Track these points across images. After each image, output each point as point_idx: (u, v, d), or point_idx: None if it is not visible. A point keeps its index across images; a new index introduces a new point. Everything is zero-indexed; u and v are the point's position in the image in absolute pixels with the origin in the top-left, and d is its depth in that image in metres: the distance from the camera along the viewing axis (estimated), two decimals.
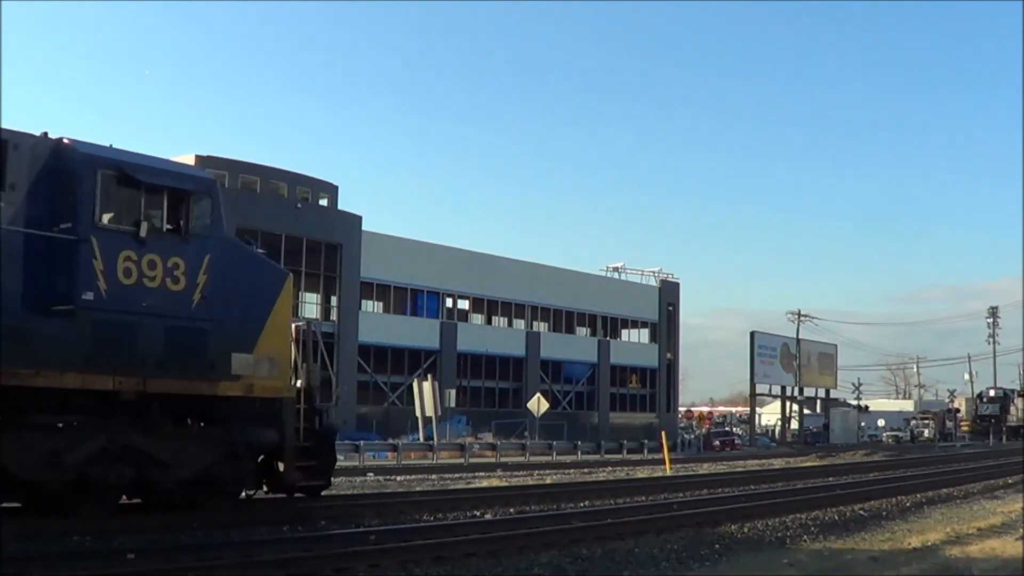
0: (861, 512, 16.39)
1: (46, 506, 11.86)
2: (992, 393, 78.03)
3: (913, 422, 78.06)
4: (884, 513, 16.29)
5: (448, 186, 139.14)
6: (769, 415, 77.72)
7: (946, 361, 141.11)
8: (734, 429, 66.52)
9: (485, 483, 21.63)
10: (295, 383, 14.17)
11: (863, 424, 72.14)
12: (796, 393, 64.40)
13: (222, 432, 13.15)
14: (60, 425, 11.77)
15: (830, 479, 23.34)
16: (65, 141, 11.99)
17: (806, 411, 66.55)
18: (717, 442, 52.32)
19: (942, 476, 25.64)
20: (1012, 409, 75.34)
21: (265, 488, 14.16)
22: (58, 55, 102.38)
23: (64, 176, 11.73)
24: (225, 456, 13.13)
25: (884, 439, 69.48)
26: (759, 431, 64.84)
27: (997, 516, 15.85)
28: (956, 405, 78.83)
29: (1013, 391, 79.35)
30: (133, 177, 12.02)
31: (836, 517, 15.46)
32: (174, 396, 12.51)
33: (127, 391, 11.97)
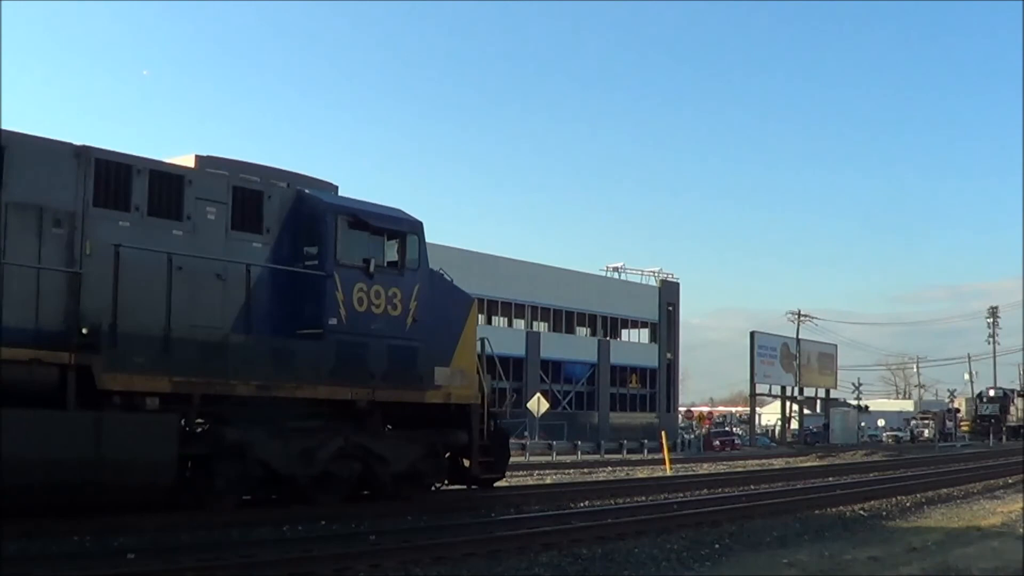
0: (861, 512, 16.40)
1: (294, 498, 14.13)
2: (992, 393, 78.05)
3: (913, 422, 78.09)
4: (884, 513, 16.29)
5: (447, 186, 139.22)
6: (769, 415, 77.75)
7: (946, 361, 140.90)
8: (734, 429, 66.53)
9: None
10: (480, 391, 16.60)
11: (863, 424, 72.15)
12: (796, 393, 64.43)
13: (425, 434, 15.65)
14: (310, 429, 14.18)
15: (830, 479, 23.36)
16: (305, 191, 14.73)
17: (806, 411, 66.58)
18: (717, 442, 52.35)
19: (942, 476, 25.65)
20: (1012, 409, 75.36)
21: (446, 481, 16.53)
22: (58, 55, 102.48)
23: (309, 221, 14.37)
24: (427, 454, 15.66)
25: (884, 439, 69.50)
26: (759, 431, 64.86)
27: (997, 516, 15.85)
28: (956, 405, 78.83)
29: (1013, 391, 79.38)
30: (363, 222, 14.62)
31: (836, 517, 15.46)
32: (392, 403, 15.04)
33: (360, 400, 14.51)
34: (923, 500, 18.79)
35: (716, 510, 15.66)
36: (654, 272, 68.85)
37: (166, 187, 13.19)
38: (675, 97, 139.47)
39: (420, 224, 15.57)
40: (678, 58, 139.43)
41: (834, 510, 16.57)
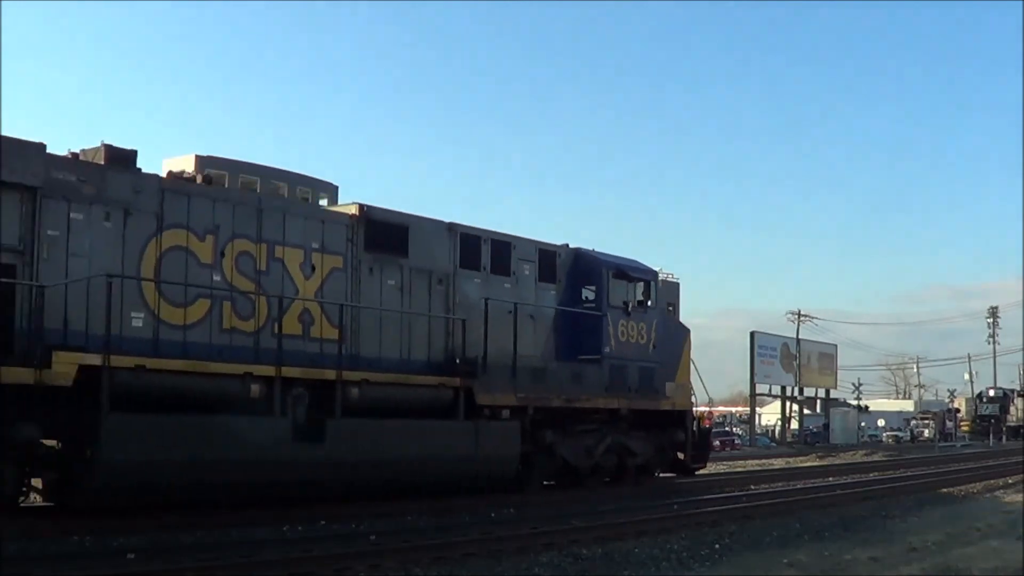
0: (861, 512, 16.40)
1: (574, 483, 18.45)
2: (992, 393, 77.98)
3: (913, 422, 78.03)
4: (884, 513, 16.29)
5: (447, 186, 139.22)
6: (769, 415, 77.69)
7: (946, 361, 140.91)
8: (734, 429, 66.44)
9: None
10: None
11: (863, 424, 72.04)
12: (796, 393, 64.35)
13: (657, 434, 20.18)
14: (589, 431, 18.63)
15: (830, 479, 23.35)
16: (582, 250, 19.23)
17: (806, 411, 66.50)
18: (717, 442, 52.24)
19: (942, 476, 25.64)
20: (1012, 409, 75.32)
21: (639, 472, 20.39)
22: (58, 55, 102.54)
23: (587, 273, 19.06)
24: (657, 449, 20.29)
25: (884, 439, 69.43)
26: (759, 431, 64.79)
27: (997, 516, 15.85)
28: (956, 405, 78.76)
29: (1013, 391, 79.33)
30: (624, 272, 19.41)
31: (836, 517, 15.46)
32: (639, 411, 19.48)
33: (623, 408, 19.06)
34: (923, 500, 18.79)
35: (716, 510, 15.66)
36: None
37: (501, 251, 17.66)
38: (677, 95, 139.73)
39: (656, 273, 20.71)
40: (683, 54, 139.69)
41: (834, 510, 16.57)
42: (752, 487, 21.45)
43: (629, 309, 19.24)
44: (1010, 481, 24.06)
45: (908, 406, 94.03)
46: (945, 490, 21.23)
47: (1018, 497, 18.68)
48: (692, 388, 21.50)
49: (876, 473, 27.79)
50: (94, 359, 11.79)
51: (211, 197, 14.06)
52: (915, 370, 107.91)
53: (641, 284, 19.85)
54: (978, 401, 78.68)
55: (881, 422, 79.40)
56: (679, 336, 21.34)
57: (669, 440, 20.55)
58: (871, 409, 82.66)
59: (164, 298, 13.19)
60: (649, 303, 19.91)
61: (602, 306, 18.75)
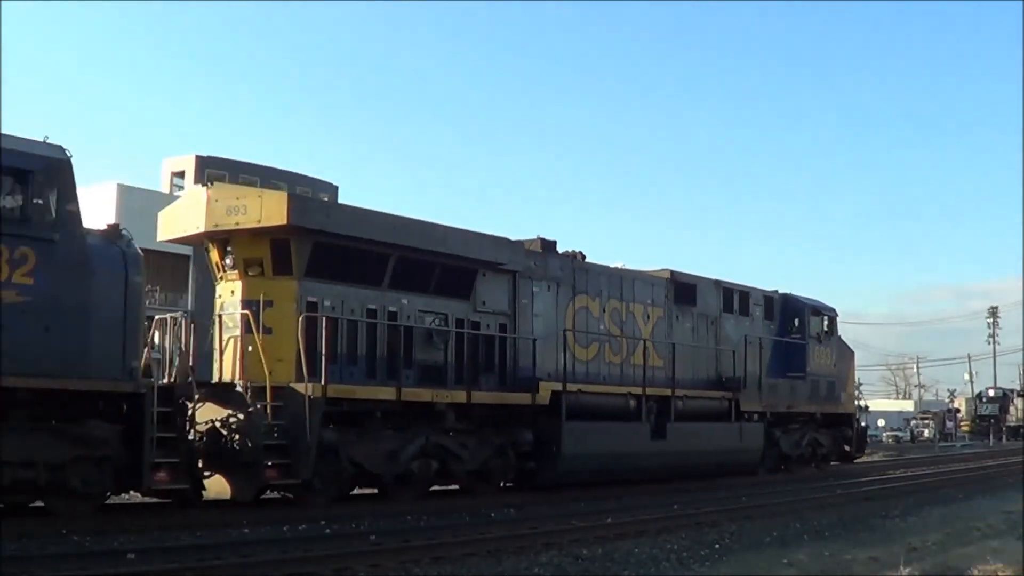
0: (861, 512, 16.40)
1: (786, 469, 24.87)
2: (992, 393, 77.95)
3: (913, 422, 78.01)
4: (884, 513, 16.29)
5: (446, 185, 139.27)
6: None
7: (946, 361, 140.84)
8: None
9: None
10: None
11: (864, 424, 71.89)
12: None
13: (833, 431, 26.82)
14: (796, 429, 25.43)
15: (830, 479, 23.35)
16: (791, 295, 25.95)
17: None
18: None
19: (942, 476, 25.65)
20: (1012, 409, 75.29)
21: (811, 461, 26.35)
22: (57, 54, 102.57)
23: (793, 312, 25.56)
24: (834, 440, 26.78)
25: (884, 439, 69.43)
26: None
27: (997, 516, 15.85)
28: (956, 405, 78.69)
29: (1013, 391, 79.30)
30: (818, 312, 26.24)
31: (836, 517, 15.46)
32: (825, 414, 26.21)
33: (817, 412, 25.76)
34: (923, 500, 18.79)
35: (716, 510, 15.66)
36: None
37: (744, 299, 23.92)
38: (678, 94, 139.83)
39: (835, 309, 27.32)
40: (690, 54, 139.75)
41: (834, 510, 16.57)
42: (752, 487, 21.37)
43: (820, 338, 26.04)
44: (1010, 481, 24.06)
45: (908, 406, 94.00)
46: (945, 490, 21.23)
47: (1018, 497, 18.67)
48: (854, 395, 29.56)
49: (876, 473, 27.79)
50: (558, 386, 17.80)
51: (598, 272, 20.12)
52: (915, 370, 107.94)
53: (826, 318, 26.60)
54: (978, 401, 78.65)
55: (881, 422, 79.37)
56: (848, 356, 28.10)
57: (841, 436, 27.20)
58: (871, 409, 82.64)
59: (577, 343, 19.06)
60: (832, 333, 26.91)
61: (805, 336, 25.51)
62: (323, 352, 14.26)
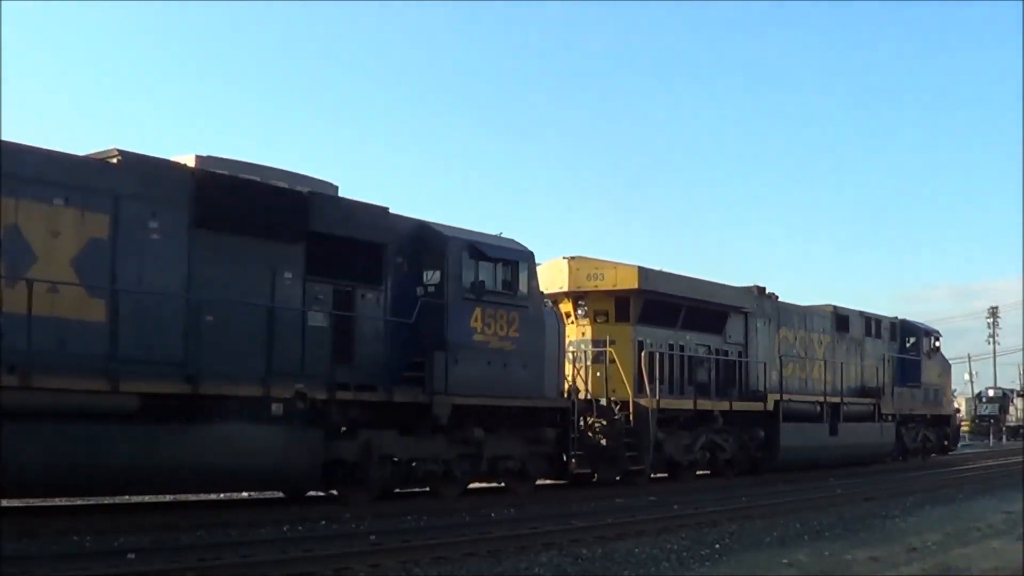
0: (861, 512, 16.40)
1: (904, 459, 30.76)
2: (992, 393, 77.94)
3: None
4: (884, 513, 16.29)
5: (447, 184, 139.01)
6: None
7: None
8: None
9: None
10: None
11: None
12: None
13: (936, 428, 32.35)
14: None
15: (830, 479, 23.34)
16: (907, 319, 31.67)
17: None
18: None
19: (942, 476, 25.66)
20: (1012, 409, 75.29)
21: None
22: (57, 54, 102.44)
23: (909, 333, 31.08)
24: (937, 436, 32.51)
25: None
26: None
27: (997, 516, 15.85)
28: (956, 405, 78.64)
29: (1013, 391, 79.29)
30: (928, 333, 31.87)
31: (836, 517, 15.46)
32: (933, 415, 32.24)
33: (928, 413, 31.59)
34: (923, 500, 18.78)
35: (716, 510, 15.66)
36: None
37: (878, 324, 29.98)
38: (678, 93, 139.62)
39: (940, 332, 33.92)
40: (687, 53, 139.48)
41: (834, 510, 16.57)
42: (751, 486, 21.39)
43: (929, 354, 31.78)
44: (1010, 481, 24.05)
45: None
46: (945, 490, 21.23)
47: (1018, 497, 18.66)
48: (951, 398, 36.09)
49: (876, 473, 27.77)
50: (777, 396, 24.08)
51: (790, 309, 26.19)
52: None
53: (933, 338, 32.50)
54: (978, 401, 78.66)
55: None
56: (947, 368, 34.44)
57: (943, 431, 32.91)
58: None
59: (784, 365, 24.95)
60: (935, 350, 32.66)
61: (919, 353, 31.24)
62: (655, 377, 20.46)
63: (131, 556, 9.92)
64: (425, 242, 16.26)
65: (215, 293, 13.41)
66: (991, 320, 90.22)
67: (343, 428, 14.69)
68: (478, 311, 16.43)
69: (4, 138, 11.90)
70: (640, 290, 20.83)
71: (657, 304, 21.42)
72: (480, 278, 16.43)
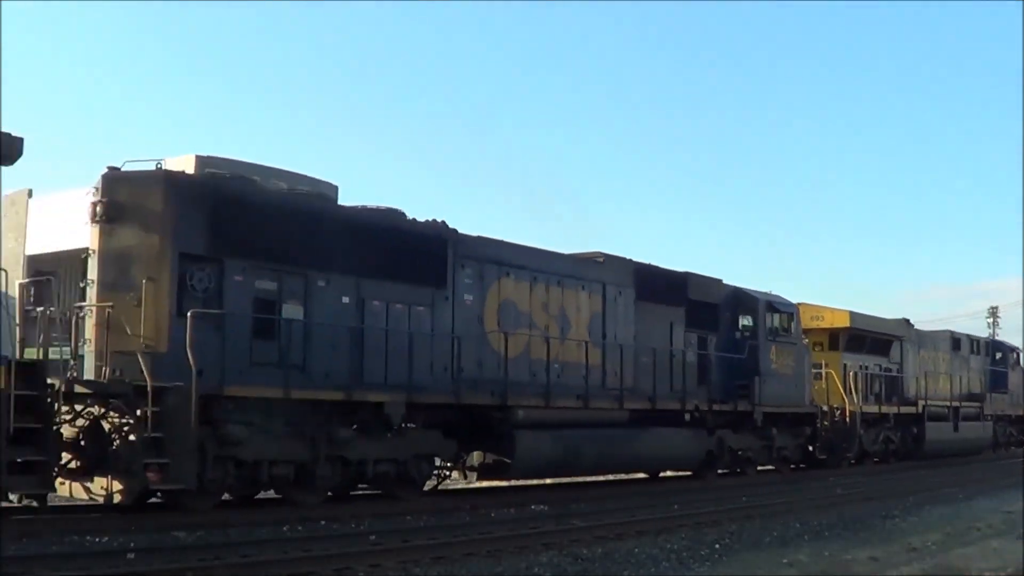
0: (861, 512, 16.39)
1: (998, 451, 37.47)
2: None
3: None
4: (884, 513, 16.29)
5: (447, 183, 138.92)
6: None
7: None
8: None
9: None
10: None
11: None
12: None
13: (1017, 425, 38.77)
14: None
15: (830, 479, 23.34)
16: (1001, 340, 44.70)
17: None
18: None
19: (942, 476, 25.64)
20: None
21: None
22: (56, 54, 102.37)
23: (999, 350, 39.10)
24: (1017, 431, 38.86)
25: None
26: None
27: (997, 516, 15.85)
28: None
29: None
30: (1014, 349, 40.56)
31: (836, 517, 15.46)
32: (1015, 415, 39.01)
33: (1014, 413, 38.68)
34: (923, 500, 18.78)
35: (716, 510, 15.66)
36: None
37: (978, 343, 37.08)
38: (677, 93, 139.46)
39: (1020, 348, 40.32)
40: (683, 54, 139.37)
41: (834, 510, 16.57)
42: (752, 486, 21.39)
43: (1012, 367, 38.45)
44: (1010, 481, 24.04)
45: None
46: (945, 490, 21.22)
47: (1018, 497, 18.66)
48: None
49: (876, 473, 27.76)
50: (923, 402, 30.74)
51: (924, 335, 33.50)
52: None
53: (1018, 353, 39.59)
54: None
55: None
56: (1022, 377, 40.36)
57: (1020, 428, 39.11)
58: None
59: (926, 378, 31.79)
60: (1017, 363, 39.37)
61: (1006, 366, 37.96)
62: (858, 389, 27.52)
63: (131, 556, 9.92)
64: (740, 300, 23.86)
65: (645, 342, 20.52)
66: (991, 320, 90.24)
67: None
68: (774, 348, 23.97)
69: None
70: (848, 327, 28.77)
71: (855, 337, 29.22)
72: (775, 325, 24.09)
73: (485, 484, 18.27)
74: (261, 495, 15.11)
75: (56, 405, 12.04)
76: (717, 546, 12.02)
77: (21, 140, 11.37)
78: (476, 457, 17.13)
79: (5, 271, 11.90)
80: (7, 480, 11.36)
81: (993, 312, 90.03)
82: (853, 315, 28.85)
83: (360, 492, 16.13)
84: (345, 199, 15.97)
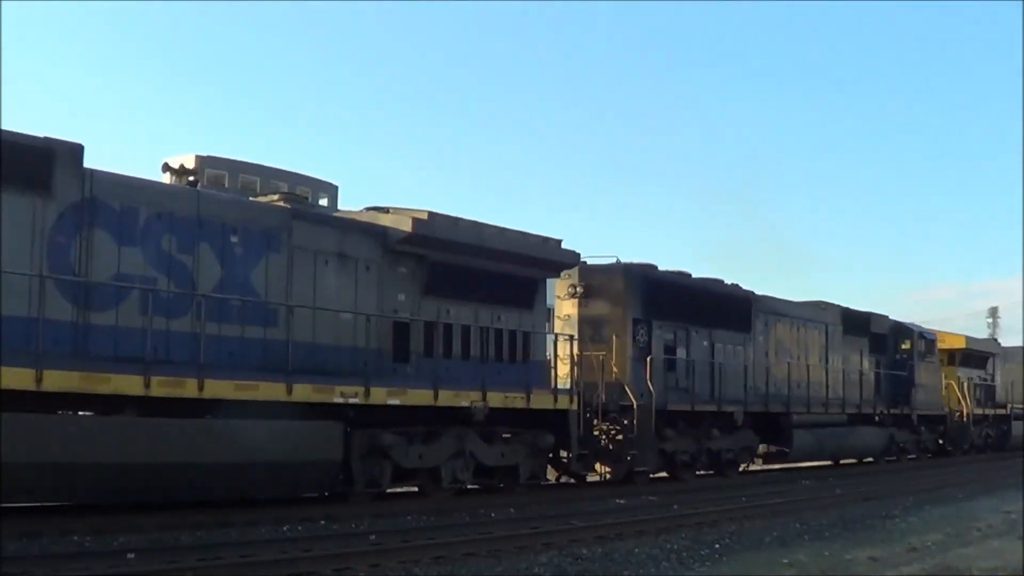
0: (861, 512, 16.40)
1: None
2: None
3: None
4: (884, 513, 16.29)
5: (448, 184, 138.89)
6: None
7: None
8: None
9: None
10: None
11: None
12: None
13: None
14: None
15: (830, 479, 23.35)
16: None
17: None
18: None
19: (942, 476, 25.65)
20: None
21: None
22: (56, 54, 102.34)
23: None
24: None
25: None
26: None
27: (997, 516, 15.85)
28: None
29: None
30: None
31: (836, 517, 15.46)
32: None
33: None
34: (923, 500, 18.78)
35: (716, 510, 15.66)
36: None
37: (1014, 355, 40.41)
38: (677, 93, 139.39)
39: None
40: (682, 55, 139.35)
41: (834, 510, 16.57)
42: (752, 487, 21.40)
43: None
44: (1010, 481, 24.04)
45: None
46: (945, 490, 21.22)
47: (1018, 497, 18.66)
48: None
49: (876, 473, 27.77)
50: (1010, 405, 38.84)
51: (1005, 350, 40.04)
52: None
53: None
54: None
55: None
56: None
57: None
58: None
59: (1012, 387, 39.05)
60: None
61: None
62: (972, 396, 34.75)
63: (131, 556, 9.91)
64: (900, 331, 31.56)
65: (848, 366, 28.24)
66: (991, 320, 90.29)
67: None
68: (922, 366, 31.60)
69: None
70: (963, 348, 36.08)
71: (966, 355, 36.08)
72: (922, 349, 31.68)
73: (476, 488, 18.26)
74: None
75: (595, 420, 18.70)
76: (717, 546, 12.01)
77: (576, 255, 18.77)
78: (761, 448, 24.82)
79: None
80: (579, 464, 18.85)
81: (993, 312, 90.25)
82: (968, 339, 37.67)
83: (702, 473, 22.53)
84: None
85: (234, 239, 13.43)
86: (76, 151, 12.14)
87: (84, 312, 11.98)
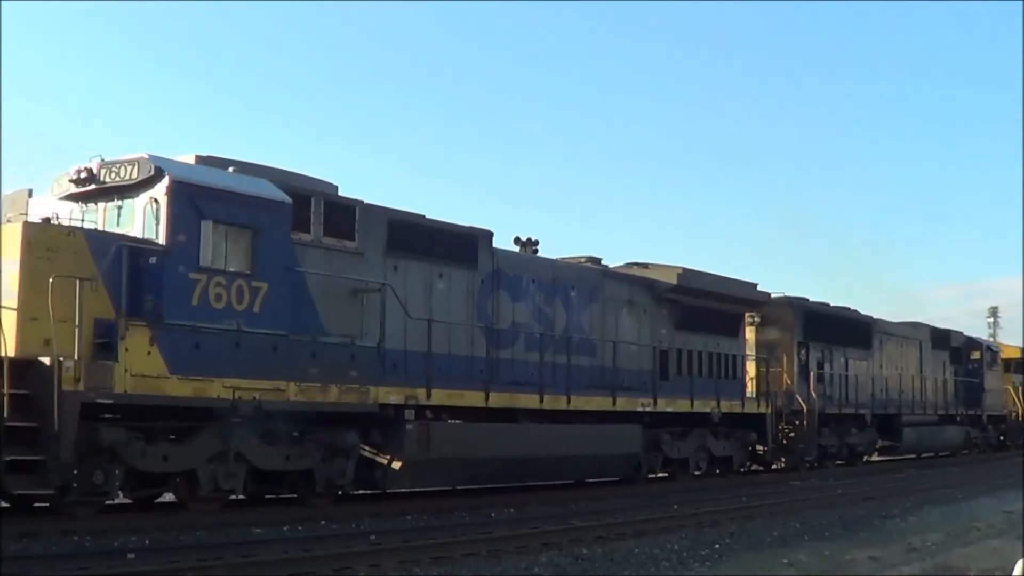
0: (861, 512, 16.40)
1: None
2: None
3: None
4: (884, 513, 16.29)
5: (449, 183, 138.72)
6: None
7: None
8: None
9: None
10: None
11: None
12: None
13: None
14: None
15: (830, 479, 23.36)
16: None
17: None
18: None
19: (942, 476, 25.66)
20: None
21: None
22: (56, 54, 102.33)
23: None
24: None
25: None
26: None
27: (997, 516, 15.85)
28: None
29: None
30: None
31: (836, 517, 15.46)
32: None
33: None
34: (923, 500, 18.79)
35: (716, 510, 15.66)
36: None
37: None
38: (676, 94, 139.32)
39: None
40: (681, 54, 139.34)
41: (834, 510, 16.57)
42: (752, 487, 21.43)
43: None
44: (1010, 481, 24.05)
45: None
46: (945, 490, 21.23)
47: (1018, 497, 18.67)
48: None
49: (876, 473, 27.78)
50: None
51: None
52: None
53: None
54: None
55: None
56: None
57: None
58: None
59: None
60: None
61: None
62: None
63: (131, 556, 9.92)
64: (971, 344, 37.24)
65: (934, 375, 33.66)
66: (991, 320, 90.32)
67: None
68: (989, 373, 36.91)
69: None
70: (1018, 358, 40.94)
71: (1020, 363, 41.04)
72: (989, 359, 37.39)
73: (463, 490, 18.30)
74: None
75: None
76: (717, 546, 12.02)
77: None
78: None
79: None
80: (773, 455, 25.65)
81: (994, 312, 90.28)
82: (1022, 349, 42.97)
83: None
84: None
85: (573, 294, 18.66)
86: (489, 236, 17.11)
87: (495, 350, 16.82)
